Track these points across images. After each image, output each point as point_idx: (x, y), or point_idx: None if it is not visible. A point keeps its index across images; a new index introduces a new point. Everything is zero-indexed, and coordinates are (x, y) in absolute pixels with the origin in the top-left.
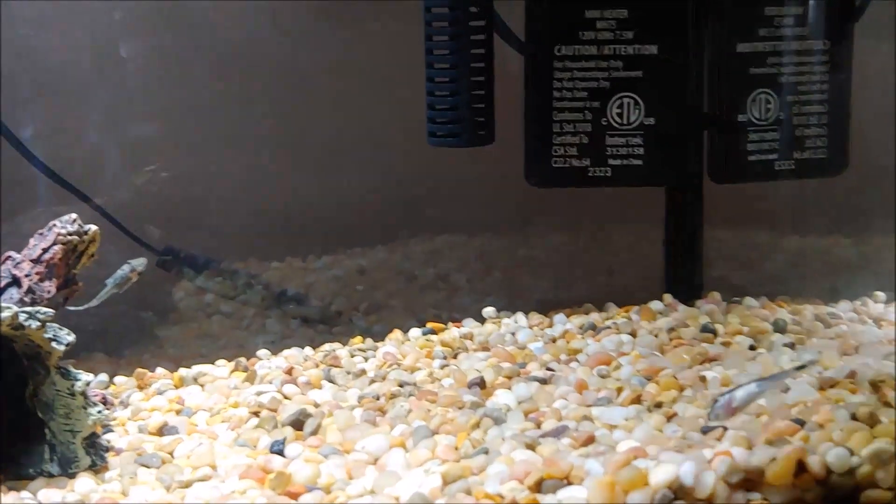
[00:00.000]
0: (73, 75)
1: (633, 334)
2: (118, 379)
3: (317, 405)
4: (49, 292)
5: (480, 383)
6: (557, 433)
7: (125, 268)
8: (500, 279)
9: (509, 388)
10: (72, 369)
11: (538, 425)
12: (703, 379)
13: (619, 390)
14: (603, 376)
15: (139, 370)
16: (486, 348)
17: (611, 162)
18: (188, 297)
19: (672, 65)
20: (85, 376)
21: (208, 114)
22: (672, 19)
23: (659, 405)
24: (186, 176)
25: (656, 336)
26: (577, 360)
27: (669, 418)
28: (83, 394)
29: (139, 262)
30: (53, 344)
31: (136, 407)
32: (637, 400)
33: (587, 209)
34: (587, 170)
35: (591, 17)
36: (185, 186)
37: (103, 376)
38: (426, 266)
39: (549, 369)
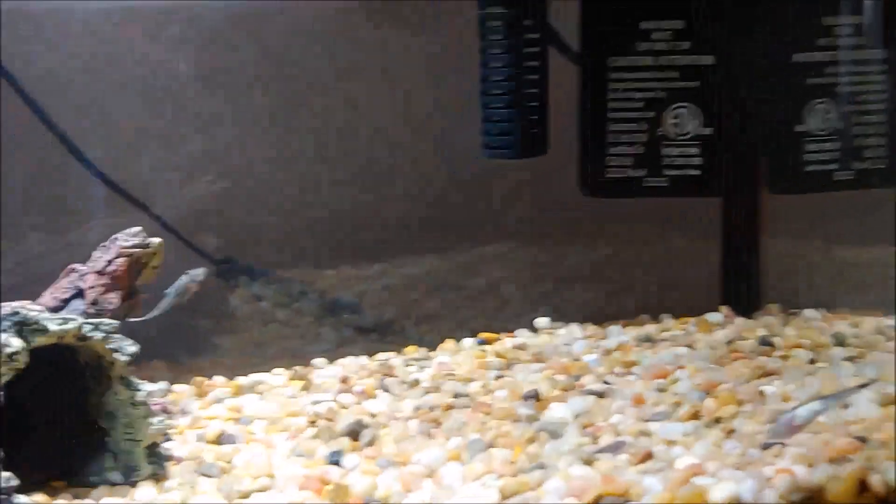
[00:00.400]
0: (132, 86)
1: (691, 346)
2: (177, 387)
3: (373, 415)
4: (113, 304)
5: (535, 396)
6: (615, 449)
7: (184, 278)
8: (552, 289)
9: (565, 402)
10: (134, 379)
11: (595, 440)
12: (761, 394)
13: (677, 405)
14: (660, 390)
15: (198, 378)
16: (540, 360)
17: (666, 172)
18: (244, 305)
19: (729, 75)
20: (147, 386)
21: (262, 124)
22: (729, 29)
23: (717, 420)
24: (241, 186)
25: (714, 349)
26: (634, 373)
27: (728, 434)
28: (145, 403)
29: (199, 273)
30: (116, 355)
31: (194, 415)
32: (695, 415)
33: (640, 217)
34: (642, 180)
35: (647, 28)
36: (240, 196)
37: (163, 384)
38: (476, 275)
39: (605, 382)
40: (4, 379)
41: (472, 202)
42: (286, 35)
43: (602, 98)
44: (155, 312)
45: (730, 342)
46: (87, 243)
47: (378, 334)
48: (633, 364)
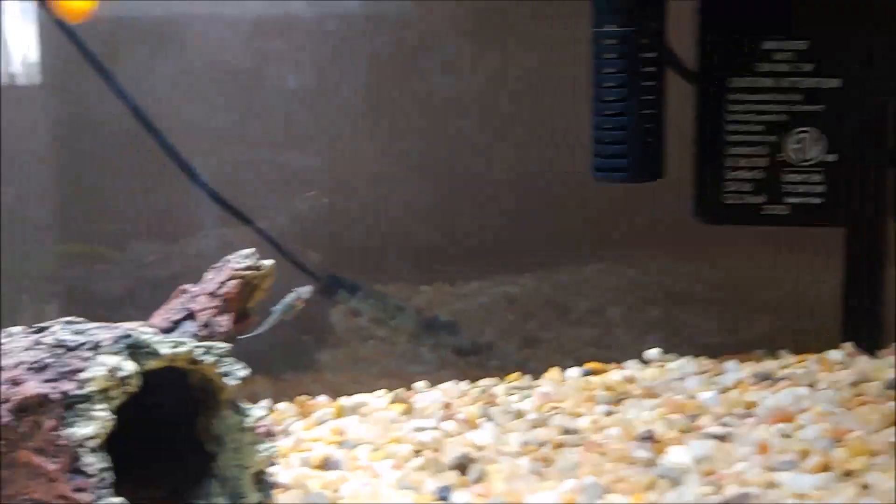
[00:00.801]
0: (240, 100)
1: (812, 387)
2: (280, 405)
3: (479, 448)
4: (224, 326)
5: (651, 437)
6: (741, 500)
7: (291, 295)
8: (659, 315)
9: (684, 445)
10: (243, 404)
11: (719, 489)
12: (894, 444)
13: (805, 453)
14: (785, 436)
15: (300, 397)
16: (651, 395)
17: (788, 199)
18: (343, 320)
19: (856, 98)
20: (256, 412)
21: (364, 141)
22: (856, 51)
23: (849, 473)
24: (344, 200)
25: (838, 390)
26: (754, 415)
27: (864, 490)
28: (253, 429)
29: (305, 290)
30: (226, 379)
31: (297, 437)
32: (825, 466)
33: (752, 240)
34: (762, 207)
35: (768, 49)
36: (342, 211)
37: (266, 402)
38: (578, 297)
39: (724, 424)
40: (116, 403)
41: (571, 218)
42: (395, 50)
43: (720, 120)
44: (261, 329)
45: (854, 384)
46: (191, 254)
47: (477, 357)
48: (753, 405)
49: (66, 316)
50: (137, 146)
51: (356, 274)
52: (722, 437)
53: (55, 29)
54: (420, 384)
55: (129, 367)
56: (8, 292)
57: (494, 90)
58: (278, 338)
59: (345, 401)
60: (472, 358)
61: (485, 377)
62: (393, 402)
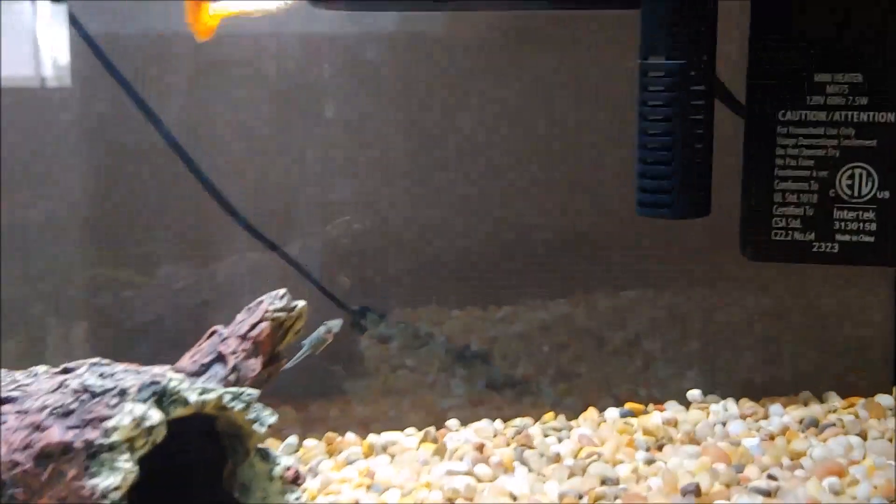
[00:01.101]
0: (272, 123)
1: (863, 436)
2: (308, 442)
3: (514, 497)
4: (254, 370)
5: (696, 490)
6: None
7: (321, 329)
8: (699, 350)
9: (730, 500)
10: (272, 451)
11: None
12: None
13: None
14: (836, 493)
15: (329, 434)
16: (693, 440)
17: (838, 237)
18: (372, 347)
19: None
20: (285, 460)
21: (397, 165)
22: None
23: None
24: (375, 226)
25: (890, 440)
26: (802, 467)
27: None
28: (282, 478)
29: (335, 324)
30: (255, 426)
31: (325, 477)
32: None
33: (798, 271)
34: (811, 244)
35: (821, 81)
36: (374, 236)
37: (293, 439)
38: (614, 326)
39: (771, 477)
40: (141, 453)
41: (606, 242)
42: (430, 74)
43: (769, 154)
44: (290, 364)
45: None
46: (225, 281)
47: (511, 390)
48: (801, 455)
49: (93, 342)
50: (169, 167)
51: (386, 299)
52: (768, 493)
53: (86, 49)
54: (452, 422)
55: (156, 416)
56: (35, 314)
57: (532, 114)
58: (306, 367)
59: (374, 438)
60: (506, 391)
61: (519, 415)
62: (423, 440)
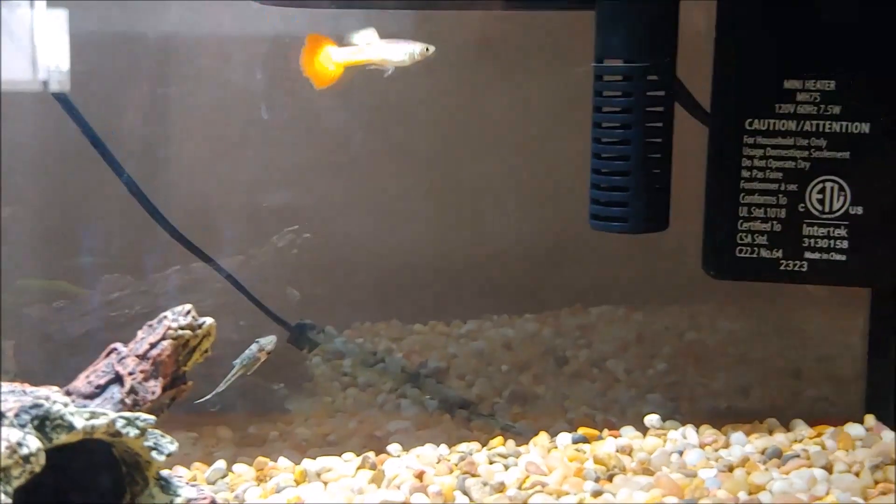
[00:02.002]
0: (213, 134)
1: (828, 469)
2: (238, 467)
3: None
4: (154, 393)
5: None
6: None
7: (253, 347)
8: (665, 372)
9: None
10: (173, 480)
11: None
12: None
13: None
14: None
15: (260, 459)
16: (647, 470)
17: (807, 255)
18: (324, 364)
19: (887, 146)
20: (187, 492)
21: (350, 172)
22: (890, 94)
23: None
24: (329, 237)
25: (857, 475)
26: (760, 502)
27: None
28: None
29: (268, 341)
30: (153, 454)
31: None
32: None
33: (770, 292)
34: (778, 262)
35: (791, 88)
36: (327, 247)
37: (220, 463)
38: (579, 346)
39: None
40: (19, 482)
41: (576, 257)
42: (392, 86)
43: (735, 165)
44: (222, 387)
45: (876, 467)
46: (164, 293)
47: (465, 411)
48: (760, 489)
49: (20, 356)
50: (106, 175)
51: (349, 309)
52: None
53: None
54: (394, 447)
55: (33, 444)
56: None
57: (492, 120)
58: (248, 385)
59: (308, 464)
60: (459, 413)
61: (468, 439)
62: (360, 467)
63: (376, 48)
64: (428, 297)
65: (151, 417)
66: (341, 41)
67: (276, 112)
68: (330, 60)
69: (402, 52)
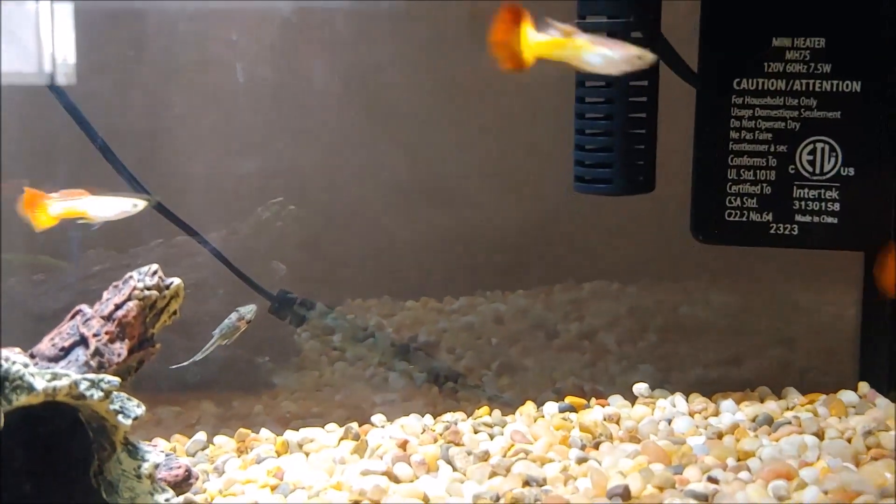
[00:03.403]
0: (196, 104)
1: (820, 435)
2: (219, 439)
3: (427, 499)
4: (119, 355)
5: (623, 493)
6: None
7: (233, 316)
8: (656, 343)
9: (661, 503)
10: (141, 446)
11: None
12: None
13: None
14: (780, 497)
15: (241, 430)
16: (634, 438)
17: (798, 218)
18: (314, 339)
19: (879, 105)
20: (154, 457)
21: (341, 145)
22: (882, 51)
23: None
24: (317, 209)
25: (849, 441)
26: (749, 469)
27: None
28: (150, 476)
29: (248, 310)
30: (119, 417)
31: (229, 478)
32: None
33: (764, 262)
34: (768, 226)
35: (780, 46)
36: (316, 220)
37: (201, 435)
38: (570, 319)
39: (711, 479)
40: None
41: (569, 232)
42: (367, 50)
43: (723, 127)
44: (198, 356)
45: (868, 433)
46: (144, 265)
47: (452, 384)
48: (749, 455)
49: None
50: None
51: (340, 285)
52: (706, 497)
53: None
54: (378, 418)
55: None
56: None
57: (479, 94)
58: (232, 358)
59: (290, 435)
60: (447, 385)
61: (455, 410)
62: (344, 437)
63: (591, 47)
64: (419, 275)
65: (116, 379)
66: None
67: (263, 85)
68: (526, 39)
69: (618, 57)
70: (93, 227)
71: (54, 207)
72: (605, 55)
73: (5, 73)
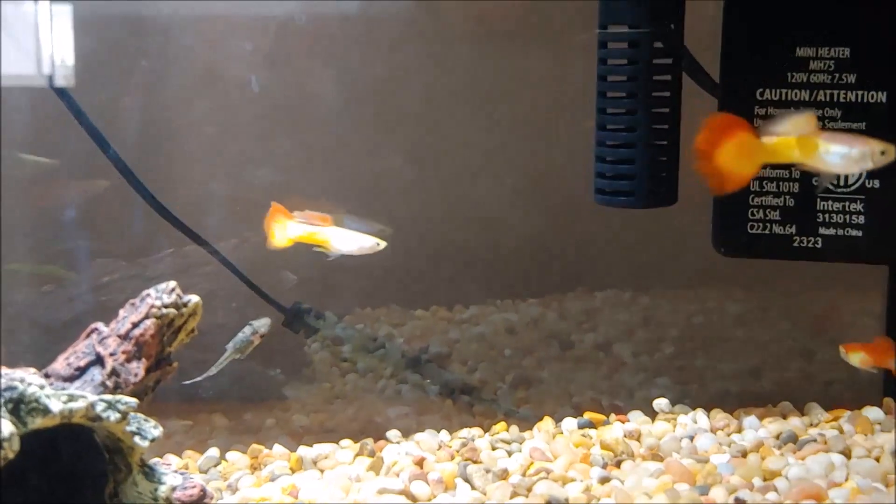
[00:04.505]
0: (204, 114)
1: (847, 454)
2: (231, 455)
3: None
4: (136, 375)
5: None
6: None
7: (247, 330)
8: (672, 355)
9: None
10: (158, 467)
11: None
12: None
13: None
14: None
15: (254, 447)
16: (656, 456)
17: (822, 231)
18: (323, 350)
19: None
20: (171, 479)
21: (357, 156)
22: None
23: None
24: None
25: (877, 460)
26: (776, 489)
27: None
28: (168, 500)
29: (262, 324)
30: (136, 439)
31: (244, 496)
32: None
33: (783, 272)
34: (791, 239)
35: (804, 56)
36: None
37: (213, 451)
38: (584, 330)
39: (738, 500)
40: None
41: (583, 240)
42: (392, 56)
43: None
44: (212, 370)
45: None
46: (155, 276)
47: (468, 396)
48: (776, 475)
49: (8, 341)
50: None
51: (350, 294)
52: None
53: None
54: (393, 433)
55: (6, 429)
56: None
57: (497, 104)
58: (243, 371)
59: (304, 451)
60: (461, 398)
61: (470, 425)
62: (358, 454)
63: (828, 146)
64: (429, 283)
65: (133, 400)
66: None
67: (271, 94)
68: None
69: (857, 154)
70: (328, 258)
71: (294, 229)
72: (843, 153)
73: (4, 75)
